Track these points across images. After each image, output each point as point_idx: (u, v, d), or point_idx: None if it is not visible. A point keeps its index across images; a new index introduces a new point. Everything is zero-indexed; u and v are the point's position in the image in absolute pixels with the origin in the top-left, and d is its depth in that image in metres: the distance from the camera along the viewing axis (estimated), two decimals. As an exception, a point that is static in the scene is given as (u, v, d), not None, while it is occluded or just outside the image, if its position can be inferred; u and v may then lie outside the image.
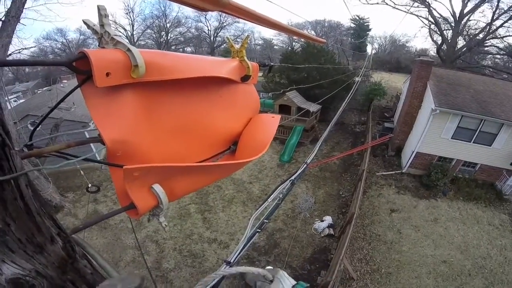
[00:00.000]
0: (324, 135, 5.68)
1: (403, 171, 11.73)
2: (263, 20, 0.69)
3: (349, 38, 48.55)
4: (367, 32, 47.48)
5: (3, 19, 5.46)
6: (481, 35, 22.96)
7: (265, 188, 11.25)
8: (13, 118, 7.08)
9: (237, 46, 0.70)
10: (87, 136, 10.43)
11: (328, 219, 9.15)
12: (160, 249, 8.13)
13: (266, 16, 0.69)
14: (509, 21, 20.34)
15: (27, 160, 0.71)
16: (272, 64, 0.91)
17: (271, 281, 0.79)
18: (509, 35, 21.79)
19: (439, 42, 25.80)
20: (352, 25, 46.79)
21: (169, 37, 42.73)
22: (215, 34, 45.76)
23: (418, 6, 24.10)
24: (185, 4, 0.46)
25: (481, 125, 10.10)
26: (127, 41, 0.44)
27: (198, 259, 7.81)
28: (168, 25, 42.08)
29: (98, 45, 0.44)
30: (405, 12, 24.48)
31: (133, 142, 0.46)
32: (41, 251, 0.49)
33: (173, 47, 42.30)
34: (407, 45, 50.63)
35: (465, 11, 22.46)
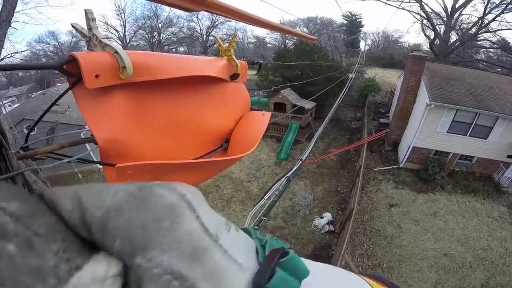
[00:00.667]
0: (319, 131, 5.71)
1: (400, 166, 11.81)
2: (250, 18, 0.70)
3: (342, 35, 48.65)
4: (360, 29, 47.65)
5: (-6, 23, 5.41)
6: (473, 29, 23.17)
7: (263, 186, 11.29)
8: (9, 123, 7.01)
9: (225, 45, 0.71)
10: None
11: (327, 216, 9.20)
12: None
13: (253, 14, 0.70)
14: (501, 15, 20.54)
15: (23, 162, 0.72)
16: (261, 62, 0.93)
17: None
18: (501, 29, 22.01)
19: (432, 37, 26.00)
20: (345, 21, 46.88)
21: (161, 38, 42.52)
22: (208, 34, 45.61)
23: (409, 1, 24.27)
24: (169, 5, 0.47)
25: (476, 119, 10.17)
26: (117, 43, 0.45)
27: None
28: (160, 25, 41.90)
29: (87, 48, 0.46)
30: (397, 7, 24.63)
31: (124, 140, 0.47)
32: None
33: (165, 48, 42.08)
34: (400, 40, 51.16)
35: (456, 6, 22.63)
